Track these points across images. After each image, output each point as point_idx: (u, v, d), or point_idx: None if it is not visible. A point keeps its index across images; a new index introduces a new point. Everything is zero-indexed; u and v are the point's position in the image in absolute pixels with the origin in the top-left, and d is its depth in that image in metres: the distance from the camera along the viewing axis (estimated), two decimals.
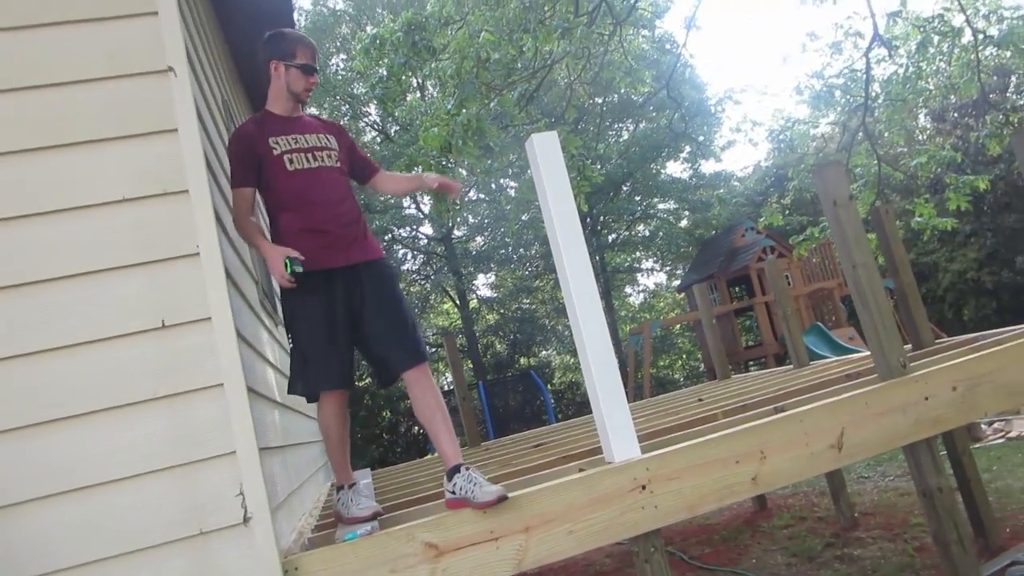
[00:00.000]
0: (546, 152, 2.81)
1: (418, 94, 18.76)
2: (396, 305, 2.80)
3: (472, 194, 22.80)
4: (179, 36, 2.39)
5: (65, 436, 2.16)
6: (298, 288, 2.67)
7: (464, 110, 8.18)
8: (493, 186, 22.55)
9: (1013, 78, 18.09)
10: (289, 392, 2.76)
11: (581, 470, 2.79)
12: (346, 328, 2.73)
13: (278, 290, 2.87)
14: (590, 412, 2.77)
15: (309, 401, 2.83)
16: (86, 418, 2.18)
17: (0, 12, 2.30)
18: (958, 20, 9.65)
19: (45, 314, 2.20)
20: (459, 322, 23.79)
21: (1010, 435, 7.45)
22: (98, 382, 2.21)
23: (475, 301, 24.58)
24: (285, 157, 2.74)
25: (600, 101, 19.74)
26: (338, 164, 2.87)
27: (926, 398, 3.09)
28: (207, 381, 2.27)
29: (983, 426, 7.77)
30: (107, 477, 2.16)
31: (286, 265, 2.58)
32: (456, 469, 2.58)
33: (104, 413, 2.19)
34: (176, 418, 2.24)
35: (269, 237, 2.82)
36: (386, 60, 9.02)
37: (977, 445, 7.16)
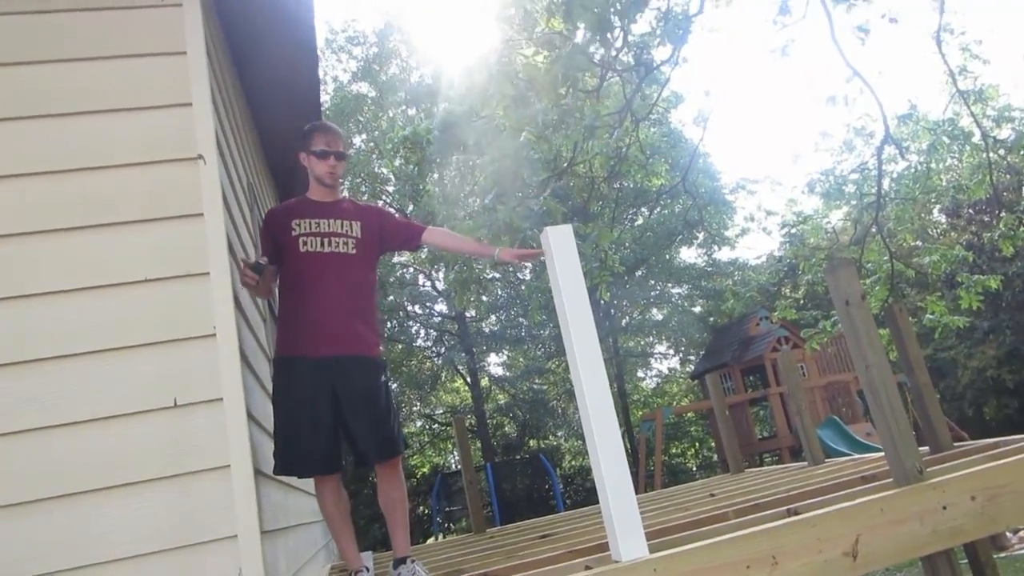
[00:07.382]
0: (561, 245, 2.83)
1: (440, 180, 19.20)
2: (373, 401, 2.82)
3: (487, 273, 22.97)
4: (210, 126, 2.47)
5: (71, 514, 2.15)
6: (285, 372, 2.77)
7: (501, 206, 8.32)
8: (510, 267, 22.75)
9: None
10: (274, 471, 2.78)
11: (587, 567, 2.71)
12: (330, 415, 2.77)
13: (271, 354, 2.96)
14: (599, 500, 2.71)
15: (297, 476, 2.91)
16: (93, 495, 2.17)
17: (48, 100, 2.42)
18: (967, 121, 9.84)
19: (59, 391, 2.21)
20: (469, 401, 23.60)
21: None
22: (108, 460, 2.21)
23: (486, 380, 24.43)
24: (300, 239, 2.83)
25: (616, 187, 20.08)
26: (354, 252, 2.89)
27: (944, 507, 3.00)
28: (215, 462, 2.26)
29: (1008, 534, 7.52)
30: (109, 557, 2.13)
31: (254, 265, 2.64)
32: (403, 560, 2.82)
33: (111, 491, 2.18)
34: (181, 499, 2.22)
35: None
36: (415, 156, 9.37)
37: (1002, 555, 6.91)
